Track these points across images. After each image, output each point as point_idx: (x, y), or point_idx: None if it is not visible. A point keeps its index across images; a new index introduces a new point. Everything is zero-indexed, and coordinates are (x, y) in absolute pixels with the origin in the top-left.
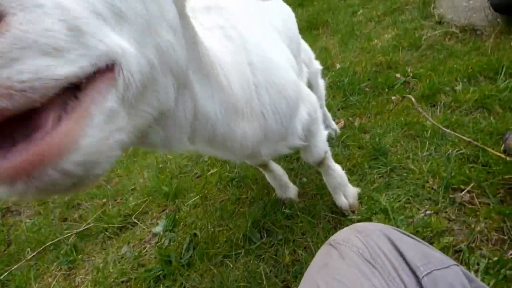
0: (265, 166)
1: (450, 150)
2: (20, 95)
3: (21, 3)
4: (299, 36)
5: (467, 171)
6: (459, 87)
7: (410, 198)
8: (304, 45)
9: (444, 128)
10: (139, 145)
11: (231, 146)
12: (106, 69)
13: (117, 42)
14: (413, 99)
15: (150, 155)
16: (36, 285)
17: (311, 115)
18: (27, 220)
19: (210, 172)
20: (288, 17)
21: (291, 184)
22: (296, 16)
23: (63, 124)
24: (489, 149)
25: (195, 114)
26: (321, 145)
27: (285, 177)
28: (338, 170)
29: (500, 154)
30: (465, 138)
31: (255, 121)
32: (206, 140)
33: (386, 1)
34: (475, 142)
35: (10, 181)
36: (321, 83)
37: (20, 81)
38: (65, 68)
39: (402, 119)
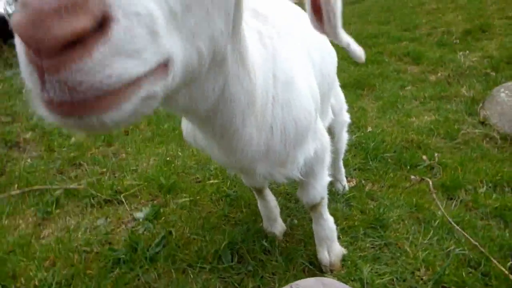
0: (260, 191)
1: (453, 247)
2: (104, 91)
3: (124, 10)
4: (336, 79)
5: (464, 275)
6: (482, 190)
7: (395, 280)
8: (339, 93)
9: (454, 223)
10: (163, 105)
11: (236, 144)
12: (163, 64)
13: (177, 42)
14: (431, 184)
15: (162, 145)
16: (6, 221)
17: (318, 154)
18: (28, 160)
19: (210, 181)
20: (328, 55)
21: (280, 220)
22: (348, 72)
23: (113, 93)
24: (495, 261)
25: (223, 91)
26: (320, 189)
27: (276, 210)
28: (330, 222)
29: (505, 271)
30: (472, 240)
31: (263, 131)
32: (221, 125)
33: (437, 86)
34: (482, 249)
35: (67, 115)
36: (345, 136)
37: (107, 84)
38: (140, 68)
39: (414, 200)
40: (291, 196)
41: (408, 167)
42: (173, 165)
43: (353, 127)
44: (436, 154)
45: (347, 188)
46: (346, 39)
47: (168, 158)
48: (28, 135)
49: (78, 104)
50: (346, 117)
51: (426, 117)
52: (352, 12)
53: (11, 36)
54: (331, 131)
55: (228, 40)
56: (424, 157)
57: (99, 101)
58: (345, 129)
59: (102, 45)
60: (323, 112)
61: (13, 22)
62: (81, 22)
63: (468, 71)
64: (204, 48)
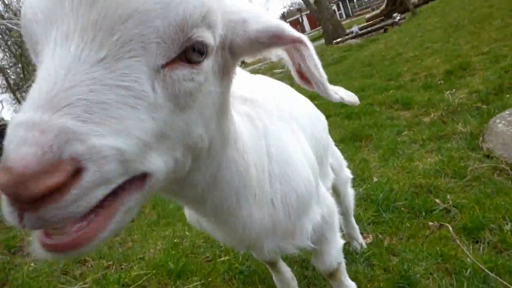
0: (273, 264)
1: None
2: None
3: (93, 159)
4: (329, 140)
5: None
6: (507, 227)
7: None
8: (336, 151)
9: (487, 271)
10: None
11: (234, 224)
12: (139, 177)
13: (153, 161)
14: (451, 229)
15: (169, 227)
16: None
17: (326, 218)
18: (32, 264)
19: (221, 259)
20: (317, 120)
21: None
22: (342, 127)
23: (91, 224)
24: None
25: (215, 177)
26: (335, 254)
27: (294, 283)
28: None
29: None
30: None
31: (264, 207)
32: (213, 208)
33: (433, 127)
34: None
35: (51, 250)
36: (351, 193)
37: (76, 212)
38: (108, 189)
39: (438, 249)
40: (308, 263)
41: (424, 214)
42: (181, 246)
43: (359, 180)
44: (449, 196)
45: (364, 245)
46: (338, 95)
47: (175, 240)
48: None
49: (63, 244)
50: (348, 173)
51: (429, 159)
52: (336, 71)
53: None
54: (335, 190)
55: (214, 135)
56: (437, 200)
57: (79, 237)
58: (349, 185)
59: (73, 189)
60: (324, 174)
61: None
62: (56, 179)
63: (459, 107)
64: (181, 156)
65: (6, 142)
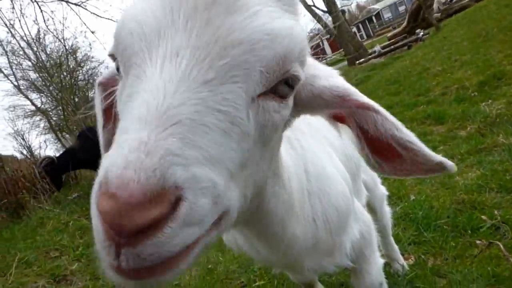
0: (311, 286)
1: None
2: (168, 257)
3: (193, 189)
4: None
5: None
6: None
7: None
8: (368, 168)
9: None
10: None
11: (278, 245)
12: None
13: (232, 196)
14: (502, 247)
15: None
16: None
17: (364, 235)
18: None
19: (256, 284)
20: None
21: None
22: None
23: (173, 264)
24: None
25: (258, 206)
26: (375, 273)
27: None
28: None
29: None
30: None
31: (307, 226)
32: (257, 233)
33: (470, 140)
34: None
35: (132, 278)
36: (387, 210)
37: (173, 252)
38: (202, 231)
39: (490, 269)
40: (347, 286)
41: (470, 232)
42: (215, 272)
43: (395, 199)
44: (496, 212)
45: (406, 267)
46: (436, 157)
47: (209, 266)
48: (75, 266)
49: (144, 270)
50: (383, 190)
51: (470, 173)
52: (362, 91)
53: (60, 181)
54: (371, 207)
55: (269, 173)
56: (484, 217)
57: (162, 265)
58: (385, 202)
59: (171, 221)
60: (357, 191)
61: (99, 208)
62: (159, 210)
63: (498, 119)
64: (249, 193)
65: (107, 162)
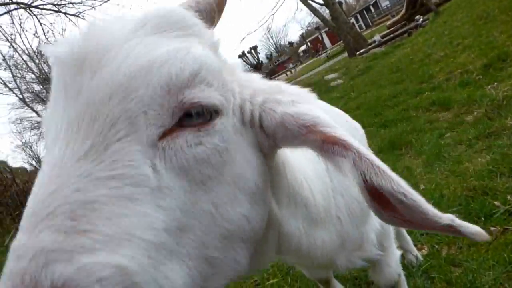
0: (327, 282)
1: None
2: None
3: (81, 281)
4: (369, 150)
5: None
6: None
7: None
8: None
9: None
10: None
11: (314, 255)
12: None
13: (171, 275)
14: None
15: None
16: None
17: (383, 226)
18: None
19: (269, 282)
20: (355, 130)
21: None
22: (379, 137)
23: None
24: None
25: (279, 236)
26: (394, 265)
27: None
28: None
29: None
30: None
31: (331, 227)
32: (292, 252)
33: (478, 125)
34: None
35: None
36: None
37: None
38: None
39: (506, 256)
40: (361, 280)
41: (483, 218)
42: None
43: None
44: (509, 197)
45: (420, 257)
46: (445, 217)
47: None
48: None
49: None
50: None
51: (479, 159)
52: (364, 81)
53: None
54: None
55: (273, 206)
56: (497, 203)
57: None
58: None
59: None
60: None
61: None
62: None
63: (505, 101)
64: (219, 253)
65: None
